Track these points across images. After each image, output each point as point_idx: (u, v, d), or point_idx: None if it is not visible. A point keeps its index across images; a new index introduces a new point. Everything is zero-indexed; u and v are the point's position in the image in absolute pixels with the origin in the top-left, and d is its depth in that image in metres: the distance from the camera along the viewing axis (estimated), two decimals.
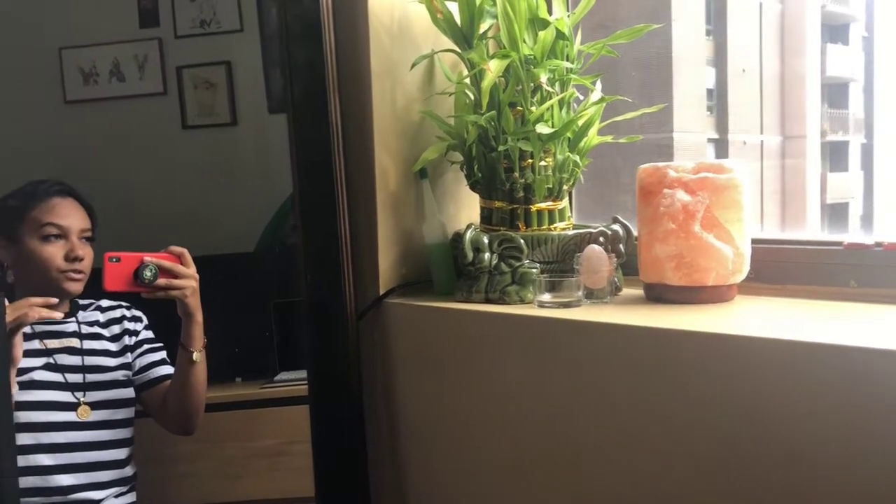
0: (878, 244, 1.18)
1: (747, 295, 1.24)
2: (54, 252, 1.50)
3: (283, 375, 2.35)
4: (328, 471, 1.42)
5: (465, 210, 1.50)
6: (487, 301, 1.29)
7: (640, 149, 1.45)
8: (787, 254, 1.26)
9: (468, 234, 1.30)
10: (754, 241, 1.24)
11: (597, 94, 1.33)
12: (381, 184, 1.37)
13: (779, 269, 1.26)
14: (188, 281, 1.44)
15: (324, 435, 1.41)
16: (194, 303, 1.47)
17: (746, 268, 1.22)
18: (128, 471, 1.58)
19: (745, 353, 0.98)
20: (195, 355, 1.50)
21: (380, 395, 1.43)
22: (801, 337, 0.95)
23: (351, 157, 1.37)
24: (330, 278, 1.37)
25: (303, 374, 2.21)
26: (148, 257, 1.41)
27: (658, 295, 1.25)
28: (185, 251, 1.46)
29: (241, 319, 2.30)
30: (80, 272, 1.52)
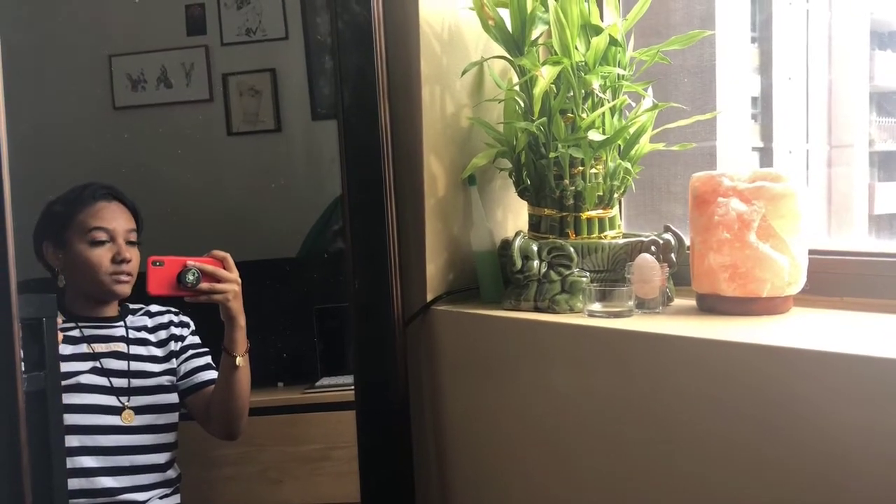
0: None
1: (803, 307, 1.22)
2: (102, 255, 1.52)
3: (324, 381, 2.36)
4: (374, 476, 1.42)
5: (512, 217, 1.49)
6: (536, 310, 1.27)
7: (682, 157, 1.43)
8: (845, 265, 1.23)
9: (517, 242, 1.29)
10: (811, 252, 1.21)
11: (648, 102, 1.31)
12: (430, 190, 1.37)
13: (836, 280, 1.23)
14: (231, 285, 1.45)
15: (370, 441, 1.41)
16: (237, 307, 1.48)
17: (803, 279, 1.19)
18: (171, 474, 1.59)
19: (798, 365, 0.96)
20: (238, 360, 1.51)
21: (426, 401, 1.43)
22: (854, 350, 0.92)
23: (400, 163, 1.37)
24: (378, 284, 1.37)
25: (344, 379, 2.23)
26: (191, 261, 1.42)
27: (711, 306, 1.22)
28: (227, 255, 1.47)
29: (284, 324, 2.31)
30: (127, 274, 1.54)
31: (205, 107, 2.88)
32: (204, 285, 1.42)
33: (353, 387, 1.45)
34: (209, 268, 1.44)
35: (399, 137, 1.37)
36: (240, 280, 1.47)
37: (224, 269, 1.46)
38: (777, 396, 0.98)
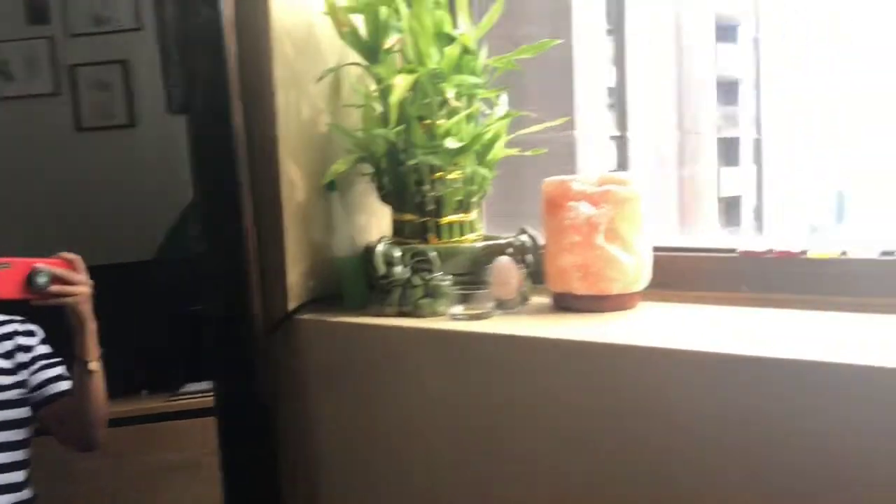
0: (770, 251, 1.25)
1: (650, 301, 1.29)
2: None
3: (188, 387, 2.30)
4: (237, 488, 1.40)
5: (375, 222, 1.50)
6: (400, 315, 1.29)
7: (541, 156, 1.48)
8: (686, 261, 1.32)
9: (380, 248, 1.30)
10: (655, 249, 1.29)
11: (502, 108, 1.35)
12: (289, 195, 1.35)
13: (679, 276, 1.32)
14: (81, 287, 1.39)
15: (233, 453, 1.38)
16: (88, 310, 1.41)
17: (648, 276, 1.26)
18: (26, 494, 1.51)
19: (643, 361, 1.03)
20: (92, 365, 1.44)
21: (292, 411, 1.41)
22: (690, 346, 1.01)
23: (257, 168, 1.35)
24: (237, 291, 1.34)
25: (209, 384, 2.18)
26: (39, 263, 1.35)
27: (565, 304, 1.28)
28: (77, 257, 1.41)
29: (144, 330, 2.23)
30: None
31: (51, 101, 2.73)
32: (54, 288, 1.36)
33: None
34: (59, 270, 1.37)
35: (254, 142, 1.34)
36: (90, 282, 1.41)
37: (73, 271, 1.39)
38: (624, 390, 1.04)
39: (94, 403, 1.48)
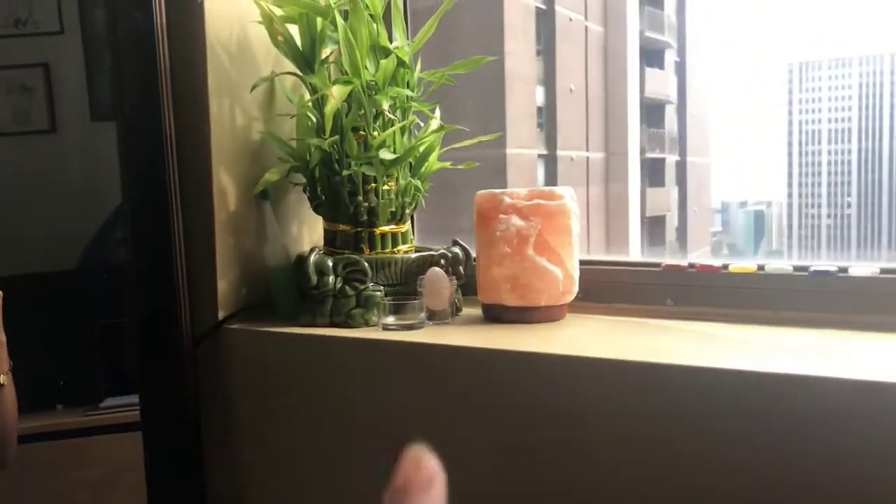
0: (692, 266, 1.30)
1: (577, 313, 1.32)
2: None
3: (109, 402, 2.22)
4: (162, 501, 1.37)
5: (308, 232, 1.49)
6: (332, 325, 1.28)
7: (473, 170, 1.50)
8: (612, 274, 1.36)
9: (312, 258, 1.29)
10: (582, 263, 1.32)
11: (437, 122, 1.36)
12: (220, 203, 1.33)
13: (605, 288, 1.36)
14: None
15: (158, 469, 1.35)
16: None
17: (575, 288, 1.29)
18: None
19: (567, 369, 1.05)
20: (1, 378, 1.38)
21: (220, 425, 1.39)
22: (609, 355, 1.03)
23: (187, 175, 1.33)
24: (164, 300, 1.32)
25: (131, 399, 2.11)
26: None
27: (496, 315, 1.30)
28: None
29: (62, 342, 2.15)
30: None
31: None
32: None
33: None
34: None
35: (186, 148, 1.32)
36: (0, 292, 1.35)
37: None
38: (549, 395, 1.07)
39: (3, 419, 1.41)
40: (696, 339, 1.14)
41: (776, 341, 1.11)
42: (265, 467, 1.36)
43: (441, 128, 1.33)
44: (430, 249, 1.38)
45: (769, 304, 1.23)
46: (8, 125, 2.63)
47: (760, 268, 1.26)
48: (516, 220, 1.25)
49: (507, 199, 1.27)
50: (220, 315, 1.34)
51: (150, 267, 1.34)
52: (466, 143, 1.37)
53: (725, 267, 1.28)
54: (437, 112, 1.38)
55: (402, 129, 1.32)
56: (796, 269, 1.23)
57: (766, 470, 0.93)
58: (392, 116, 1.29)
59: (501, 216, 1.26)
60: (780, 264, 1.25)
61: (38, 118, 2.66)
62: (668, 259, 1.34)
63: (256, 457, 1.36)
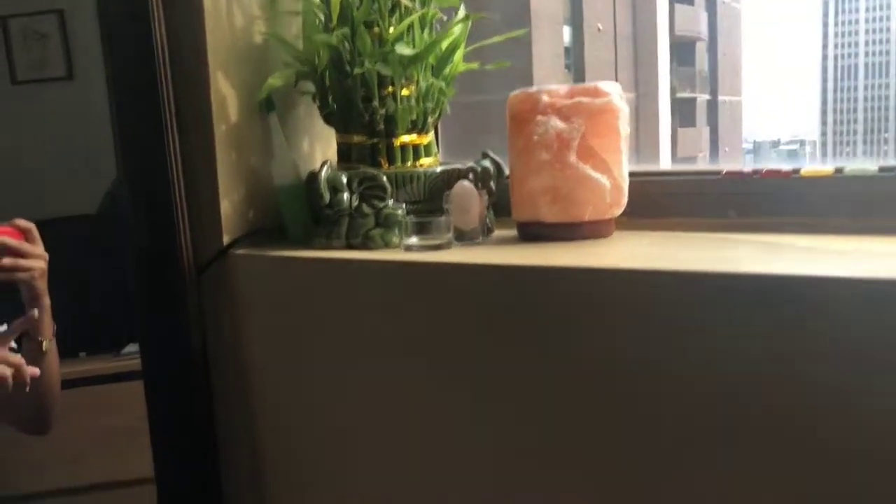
0: (756, 171, 1.14)
1: (626, 230, 1.17)
2: None
3: (131, 347, 2.14)
4: (169, 450, 1.25)
5: (320, 147, 1.35)
6: (349, 247, 1.15)
7: (498, 81, 1.34)
8: (666, 186, 1.21)
9: (324, 173, 1.15)
10: (631, 174, 1.16)
11: (461, 13, 1.20)
12: (220, 115, 1.18)
13: (657, 201, 1.20)
14: (37, 261, 1.19)
15: (162, 411, 1.23)
16: (43, 286, 1.21)
17: (624, 200, 1.14)
18: None
19: (622, 287, 0.92)
20: (45, 344, 1.25)
21: (229, 360, 1.26)
22: (675, 266, 0.90)
23: (181, 84, 1.18)
24: (162, 226, 1.18)
25: None
26: None
27: (533, 233, 1.15)
28: (32, 226, 1.19)
29: (82, 289, 2.07)
30: None
31: None
32: (6, 261, 1.14)
33: None
34: (12, 242, 1.16)
35: (179, 53, 1.17)
36: (46, 255, 1.21)
37: (27, 241, 1.18)
38: (602, 318, 0.93)
39: (46, 385, 1.29)
40: (774, 250, 0.99)
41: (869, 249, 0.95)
42: (277, 402, 1.23)
43: (467, 16, 1.17)
44: (457, 164, 1.23)
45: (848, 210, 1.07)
46: (25, 73, 2.60)
47: (838, 170, 1.09)
48: (556, 122, 1.09)
49: (545, 98, 1.10)
50: (225, 240, 1.21)
51: (145, 188, 1.20)
52: (496, 39, 1.20)
53: (796, 171, 1.12)
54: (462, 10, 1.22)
55: (422, 22, 1.16)
56: (882, 169, 1.06)
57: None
58: (410, 6, 1.13)
59: (539, 118, 1.10)
60: (863, 164, 1.08)
61: (55, 65, 2.60)
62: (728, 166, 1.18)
63: (268, 392, 1.23)
